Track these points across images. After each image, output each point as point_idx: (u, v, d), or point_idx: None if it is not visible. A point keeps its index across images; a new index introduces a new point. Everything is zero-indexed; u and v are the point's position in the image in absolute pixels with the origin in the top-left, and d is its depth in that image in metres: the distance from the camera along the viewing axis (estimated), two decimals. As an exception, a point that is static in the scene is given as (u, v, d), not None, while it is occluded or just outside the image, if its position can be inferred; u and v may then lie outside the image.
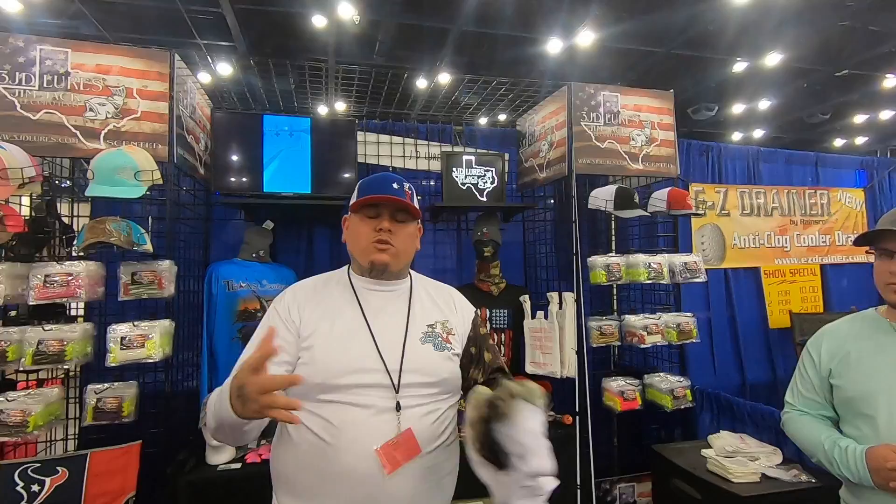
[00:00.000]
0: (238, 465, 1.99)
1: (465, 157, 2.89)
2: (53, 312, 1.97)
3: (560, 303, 2.51)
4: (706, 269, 2.70)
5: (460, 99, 3.51)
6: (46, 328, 1.82)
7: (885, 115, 6.89)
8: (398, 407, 1.12)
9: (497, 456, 0.95)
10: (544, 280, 2.96)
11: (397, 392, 1.13)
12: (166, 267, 1.99)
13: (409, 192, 1.25)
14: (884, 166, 4.37)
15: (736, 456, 2.18)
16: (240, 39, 4.57)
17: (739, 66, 5.50)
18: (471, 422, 0.99)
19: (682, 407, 2.52)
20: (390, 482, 1.07)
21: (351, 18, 4.15)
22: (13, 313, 2.09)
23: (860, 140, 8.23)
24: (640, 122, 2.76)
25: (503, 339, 2.74)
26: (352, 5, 4.01)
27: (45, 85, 1.98)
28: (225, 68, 3.23)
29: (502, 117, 3.71)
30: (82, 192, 2.00)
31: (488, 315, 2.72)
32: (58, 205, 2.19)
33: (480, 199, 2.88)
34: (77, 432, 2.16)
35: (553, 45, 4.82)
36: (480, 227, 2.72)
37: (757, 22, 4.55)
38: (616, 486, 2.60)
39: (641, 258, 2.57)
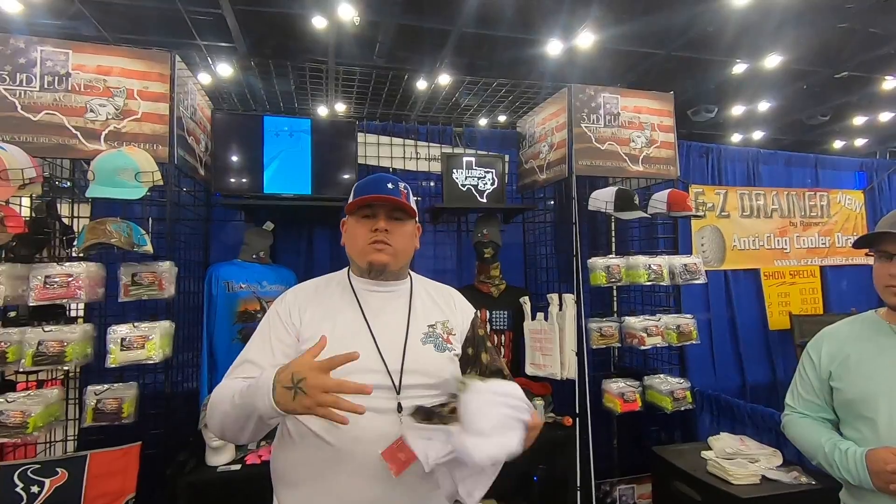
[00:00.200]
0: (238, 467, 1.99)
1: (465, 159, 2.89)
2: (53, 313, 1.97)
3: (560, 304, 2.51)
4: (706, 271, 2.70)
5: (460, 100, 3.51)
6: (46, 329, 1.82)
7: (884, 116, 6.90)
8: (400, 408, 1.12)
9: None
10: (544, 281, 2.96)
11: (398, 393, 1.13)
12: (166, 268, 1.99)
13: (405, 191, 1.25)
14: (883, 168, 4.38)
15: (736, 458, 2.18)
16: (240, 40, 4.57)
17: (739, 68, 5.51)
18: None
19: (682, 409, 2.52)
20: (395, 484, 1.07)
21: (351, 20, 4.15)
22: (13, 314, 2.08)
23: (860, 142, 8.24)
24: (640, 124, 2.77)
25: (503, 341, 2.74)
26: (352, 6, 4.02)
27: (45, 86, 1.98)
28: (225, 69, 3.23)
29: (502, 119, 3.71)
30: (83, 193, 2.00)
31: (488, 316, 2.72)
32: (58, 206, 2.19)
33: (480, 200, 2.88)
34: (77, 433, 2.16)
35: (553, 47, 4.83)
36: (480, 229, 2.72)
37: (757, 24, 4.56)
38: (616, 488, 2.60)
39: (641, 260, 2.57)
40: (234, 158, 2.53)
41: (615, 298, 3.13)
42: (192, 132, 2.38)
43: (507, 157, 3.06)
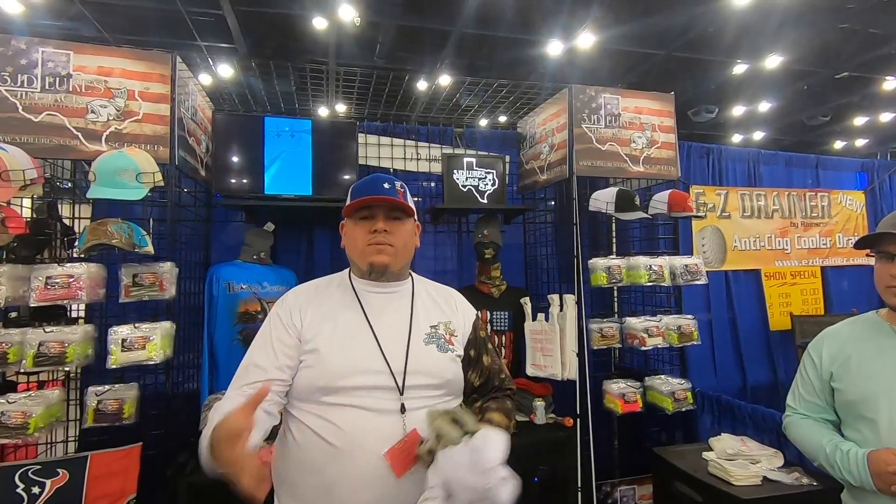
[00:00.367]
0: (239, 468, 1.98)
1: (465, 160, 2.89)
2: (54, 314, 1.97)
3: (561, 305, 2.51)
4: (707, 272, 2.70)
5: (461, 101, 3.51)
6: (47, 330, 1.82)
7: (885, 117, 6.90)
8: (403, 409, 1.11)
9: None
10: (545, 282, 2.96)
11: (402, 394, 1.12)
12: (167, 269, 1.99)
13: (402, 189, 1.25)
14: (884, 169, 4.38)
15: (737, 458, 2.18)
16: (241, 41, 4.58)
17: (739, 69, 5.51)
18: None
19: (683, 409, 2.51)
20: (398, 485, 1.07)
21: (351, 20, 4.16)
22: (14, 315, 2.08)
23: (860, 142, 8.24)
24: (641, 125, 2.77)
25: (504, 342, 2.74)
26: (352, 7, 4.02)
27: (46, 87, 1.98)
28: (226, 70, 3.23)
29: (503, 119, 3.71)
30: (83, 194, 2.00)
31: (489, 317, 2.72)
32: (59, 206, 2.19)
33: (481, 201, 2.88)
34: (77, 434, 2.15)
35: (553, 47, 4.83)
36: (481, 229, 2.72)
37: (757, 24, 4.56)
38: (617, 489, 2.60)
39: (642, 260, 2.57)
40: (235, 159, 2.53)
41: (616, 299, 3.13)
42: (193, 133, 2.39)
43: (507, 158, 3.06)
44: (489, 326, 2.71)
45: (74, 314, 2.16)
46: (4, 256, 1.92)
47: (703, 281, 2.64)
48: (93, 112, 2.02)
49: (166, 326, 1.98)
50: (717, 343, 3.61)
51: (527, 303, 2.65)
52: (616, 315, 2.89)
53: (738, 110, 6.70)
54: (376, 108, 3.72)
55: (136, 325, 1.93)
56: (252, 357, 1.17)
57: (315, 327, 1.17)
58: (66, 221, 2.20)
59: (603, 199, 2.57)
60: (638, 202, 2.59)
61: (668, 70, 5.55)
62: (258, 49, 4.77)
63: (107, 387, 1.94)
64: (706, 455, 2.26)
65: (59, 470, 1.80)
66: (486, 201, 2.88)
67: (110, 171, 1.87)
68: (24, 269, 1.83)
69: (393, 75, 3.32)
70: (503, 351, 2.73)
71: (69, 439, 2.18)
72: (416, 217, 1.29)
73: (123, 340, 1.88)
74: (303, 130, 2.61)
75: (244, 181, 2.53)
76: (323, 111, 4.08)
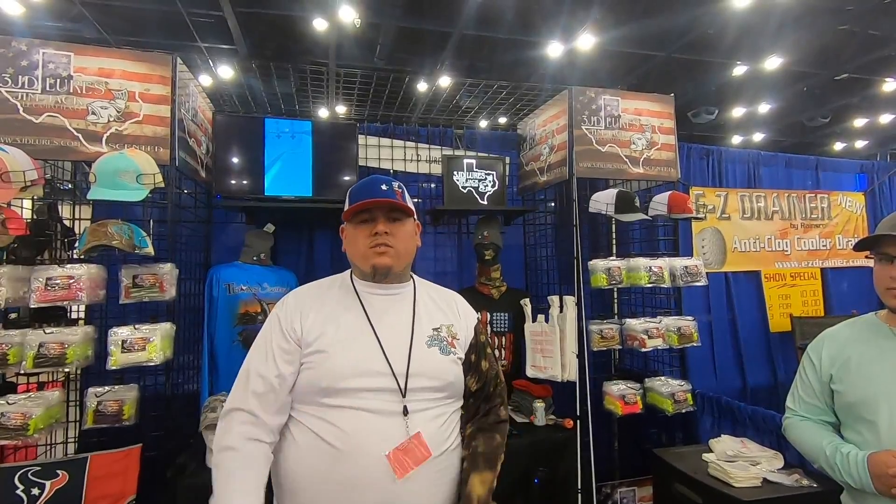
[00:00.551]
0: (238, 469, 1.98)
1: (465, 161, 2.89)
2: (54, 315, 1.97)
3: (561, 306, 2.51)
4: (707, 273, 2.70)
5: (461, 102, 3.51)
6: (47, 331, 1.82)
7: (884, 118, 6.89)
8: (405, 411, 1.11)
9: None
10: (545, 283, 2.96)
11: (404, 396, 1.12)
12: (167, 270, 2.00)
13: (399, 190, 1.24)
14: (884, 170, 4.38)
15: (737, 460, 2.18)
16: (241, 42, 4.58)
17: (739, 70, 5.51)
18: None
19: (683, 411, 2.51)
20: (401, 488, 1.06)
21: (352, 22, 4.16)
22: (14, 316, 2.08)
23: (860, 143, 8.24)
24: (641, 126, 2.77)
25: (504, 343, 2.74)
26: (352, 8, 4.02)
27: (47, 88, 1.98)
28: (226, 71, 3.23)
29: (503, 121, 3.71)
30: (84, 195, 2.00)
31: (489, 318, 2.72)
32: (59, 208, 2.19)
33: (481, 202, 2.88)
34: (77, 435, 2.15)
35: (553, 49, 4.83)
36: (481, 231, 2.72)
37: (757, 26, 4.56)
38: (617, 490, 2.60)
39: (642, 262, 2.57)
40: (235, 160, 2.53)
41: (616, 300, 3.14)
42: (194, 134, 2.39)
43: (507, 160, 3.07)
44: (489, 328, 2.71)
45: (74, 315, 2.16)
46: (5, 257, 1.92)
47: (702, 282, 2.64)
48: (93, 113, 2.02)
49: (166, 328, 1.98)
50: (717, 344, 3.61)
51: (527, 304, 2.65)
52: (616, 316, 2.90)
53: (737, 112, 6.70)
54: (376, 109, 3.73)
55: (136, 326, 1.93)
56: (253, 363, 1.17)
57: (317, 329, 1.17)
58: (67, 223, 2.20)
59: (603, 201, 2.57)
60: (638, 204, 2.59)
61: (669, 72, 5.55)
62: (258, 50, 4.77)
63: (107, 388, 1.94)
64: (706, 457, 2.26)
65: (58, 471, 1.80)
66: (486, 203, 2.89)
67: (111, 173, 1.87)
68: (24, 271, 1.83)
69: (393, 76, 3.32)
70: (503, 352, 2.73)
71: (69, 440, 2.18)
72: (415, 217, 1.29)
73: (123, 341, 1.88)
74: (303, 132, 2.61)
75: (244, 182, 2.53)
76: (323, 112, 4.09)
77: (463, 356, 1.26)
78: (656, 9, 4.41)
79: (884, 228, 1.30)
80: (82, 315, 2.21)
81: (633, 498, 2.61)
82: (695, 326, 2.62)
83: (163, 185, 1.98)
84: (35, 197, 2.04)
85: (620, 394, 2.51)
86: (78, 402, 2.14)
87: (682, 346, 2.59)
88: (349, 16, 4.08)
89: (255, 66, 3.21)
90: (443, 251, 3.16)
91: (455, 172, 2.86)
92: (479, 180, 2.89)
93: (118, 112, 2.05)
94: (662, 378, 2.64)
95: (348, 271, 1.32)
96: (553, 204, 3.14)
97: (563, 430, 2.41)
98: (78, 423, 2.08)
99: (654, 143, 2.79)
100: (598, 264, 2.54)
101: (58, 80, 2.00)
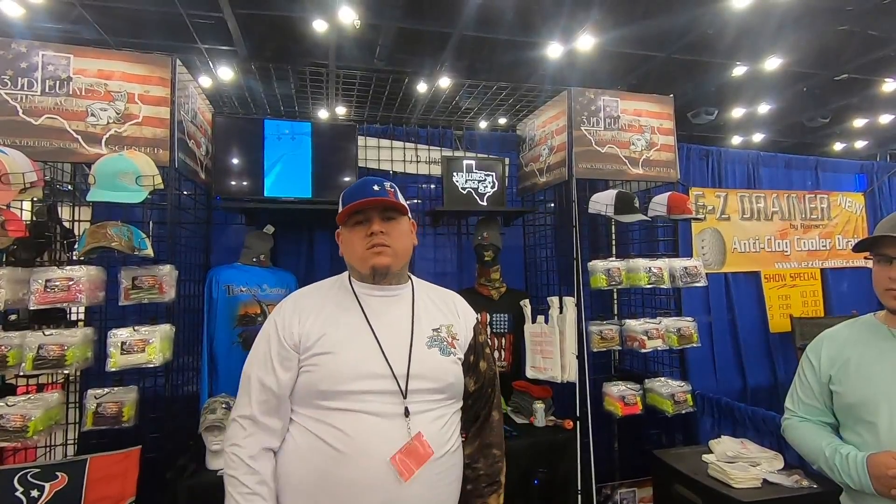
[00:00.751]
0: (238, 470, 1.98)
1: (465, 162, 2.89)
2: (54, 317, 1.97)
3: (561, 307, 2.51)
4: (706, 274, 2.70)
5: (460, 103, 3.52)
6: (47, 333, 1.82)
7: (884, 118, 6.90)
8: (406, 413, 1.11)
9: None
10: (545, 284, 2.96)
11: (405, 398, 1.12)
12: (167, 271, 1.99)
13: (392, 189, 1.24)
14: (883, 170, 4.38)
15: (737, 461, 2.17)
16: (241, 44, 4.58)
17: (739, 70, 5.52)
18: None
19: (683, 412, 2.51)
20: (404, 490, 1.06)
21: (351, 23, 4.16)
22: (14, 318, 2.08)
23: (860, 144, 8.24)
24: (640, 127, 2.77)
25: (504, 344, 2.74)
26: (352, 10, 4.03)
27: (47, 90, 1.99)
28: (226, 72, 3.24)
29: (502, 121, 3.72)
30: (83, 197, 2.00)
31: (489, 319, 2.72)
32: (59, 209, 2.19)
33: (481, 203, 2.89)
34: (77, 437, 2.15)
35: (553, 50, 4.83)
36: (481, 232, 2.72)
37: (756, 26, 4.57)
38: (617, 492, 2.60)
39: (642, 262, 2.57)
40: (235, 162, 2.53)
41: (616, 301, 3.13)
42: (193, 136, 2.39)
43: (507, 160, 3.07)
44: (489, 329, 2.71)
45: (74, 317, 2.16)
46: (4, 259, 1.92)
47: (702, 283, 2.64)
48: (93, 115, 2.02)
49: (166, 329, 1.98)
50: (717, 345, 3.61)
51: (526, 305, 2.65)
52: (616, 317, 2.89)
53: (737, 112, 6.71)
54: (376, 110, 3.74)
55: (136, 327, 1.93)
56: (254, 369, 1.17)
57: (316, 332, 1.16)
58: (66, 224, 2.20)
59: (602, 202, 2.57)
60: (637, 204, 2.59)
61: (668, 72, 5.56)
62: (258, 52, 4.78)
63: (106, 389, 1.94)
64: (706, 457, 2.26)
65: (58, 473, 1.79)
66: (485, 203, 2.89)
67: (110, 174, 1.87)
68: (23, 272, 1.83)
69: (393, 78, 3.33)
70: (503, 353, 2.73)
71: (68, 442, 2.18)
72: (409, 215, 1.29)
73: (123, 343, 1.88)
74: (303, 133, 2.61)
75: (244, 184, 2.53)
76: (323, 114, 4.09)
77: (462, 356, 1.25)
78: (656, 9, 4.42)
79: (882, 229, 1.30)
80: (82, 317, 2.21)
81: (633, 499, 2.61)
82: (694, 327, 2.62)
83: (162, 186, 1.97)
84: (34, 199, 2.04)
85: (620, 395, 2.51)
86: (77, 404, 2.14)
87: (681, 347, 2.59)
88: (349, 17, 4.08)
89: (255, 67, 3.21)
90: (442, 252, 3.16)
91: (455, 173, 2.86)
92: (479, 181, 2.89)
93: (118, 114, 2.05)
94: (662, 379, 2.64)
95: (346, 273, 1.31)
96: (553, 205, 3.14)
97: (562, 431, 2.41)
98: (77, 425, 2.07)
99: (653, 143, 2.79)
100: (597, 265, 2.54)
101: (57, 82, 2.00)
